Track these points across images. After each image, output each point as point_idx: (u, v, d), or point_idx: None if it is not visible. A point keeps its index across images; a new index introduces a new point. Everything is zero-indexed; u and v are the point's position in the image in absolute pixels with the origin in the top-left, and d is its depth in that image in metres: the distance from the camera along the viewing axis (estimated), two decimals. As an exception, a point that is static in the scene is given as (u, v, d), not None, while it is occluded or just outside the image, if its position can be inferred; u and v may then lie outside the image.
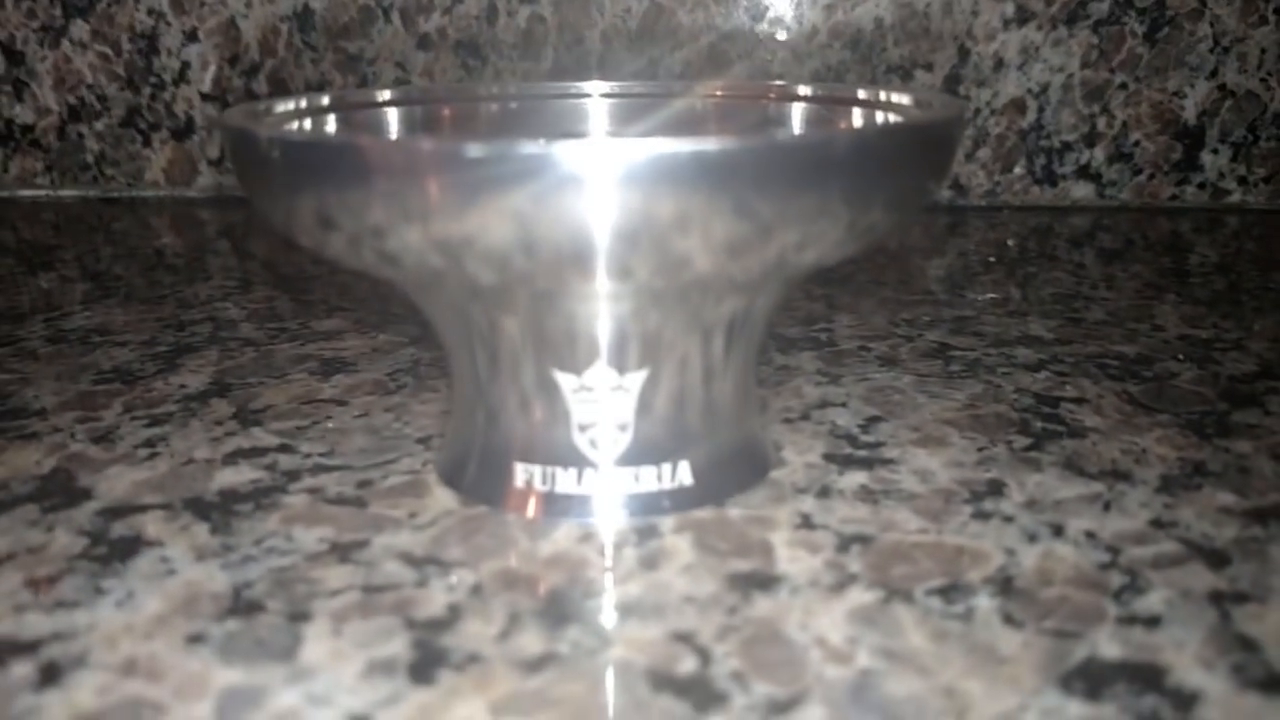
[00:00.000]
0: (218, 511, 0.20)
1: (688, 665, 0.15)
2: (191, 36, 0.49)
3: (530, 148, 0.15)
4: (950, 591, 0.17)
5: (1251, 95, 0.48)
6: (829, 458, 0.23)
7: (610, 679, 0.15)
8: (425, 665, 0.15)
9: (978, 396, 0.26)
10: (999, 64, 0.48)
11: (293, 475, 0.22)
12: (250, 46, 0.49)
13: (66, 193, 0.52)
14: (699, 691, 0.15)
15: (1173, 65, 0.48)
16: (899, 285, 0.36)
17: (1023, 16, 0.47)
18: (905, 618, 0.17)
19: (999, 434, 0.24)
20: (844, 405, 0.25)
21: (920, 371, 0.28)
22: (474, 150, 0.15)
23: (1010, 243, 0.43)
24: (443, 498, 0.21)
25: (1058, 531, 0.19)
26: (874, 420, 0.25)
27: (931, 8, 0.47)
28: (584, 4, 0.48)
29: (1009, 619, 0.17)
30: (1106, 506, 0.20)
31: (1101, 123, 0.49)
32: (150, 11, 0.49)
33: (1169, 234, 0.45)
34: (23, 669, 0.16)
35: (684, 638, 0.16)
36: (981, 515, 0.20)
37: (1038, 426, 0.24)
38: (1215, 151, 0.49)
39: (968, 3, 0.47)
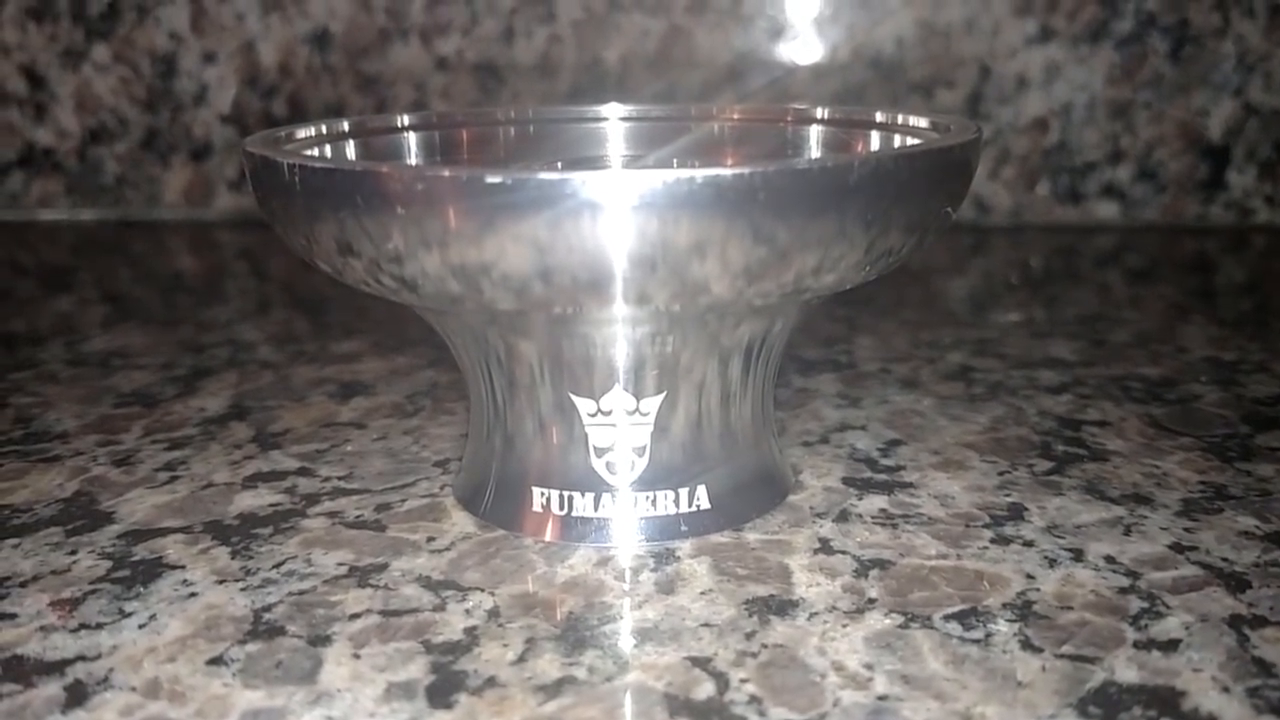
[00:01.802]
0: (238, 535, 0.20)
1: (705, 690, 0.15)
2: (210, 58, 0.50)
3: (547, 175, 0.15)
4: (969, 617, 0.17)
5: (1277, 114, 0.48)
6: (848, 481, 0.22)
7: (628, 704, 0.15)
8: (443, 689, 0.15)
9: (999, 419, 0.26)
10: (1021, 83, 0.48)
11: (312, 499, 0.22)
12: (269, 69, 0.49)
13: (86, 214, 0.52)
14: (716, 717, 0.15)
15: (1197, 83, 0.48)
16: (921, 306, 0.36)
17: (1045, 35, 0.47)
18: (923, 643, 0.16)
19: (1020, 457, 0.24)
20: (864, 428, 0.25)
21: (942, 394, 0.28)
22: (492, 177, 0.15)
23: (1033, 263, 0.43)
24: (460, 521, 0.21)
25: (1077, 556, 0.19)
26: (894, 443, 0.24)
27: (952, 26, 0.47)
28: (601, 26, 0.48)
29: (1027, 644, 0.16)
30: (1127, 530, 0.20)
31: (1125, 141, 0.48)
32: (170, 34, 0.49)
33: (1195, 254, 0.45)
34: (50, 690, 0.16)
35: (701, 662, 0.16)
36: (1001, 540, 0.20)
37: (1059, 450, 0.24)
38: (1241, 170, 0.49)
39: (989, 21, 0.47)
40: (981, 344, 0.32)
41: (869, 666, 0.16)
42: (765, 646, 0.16)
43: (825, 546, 0.20)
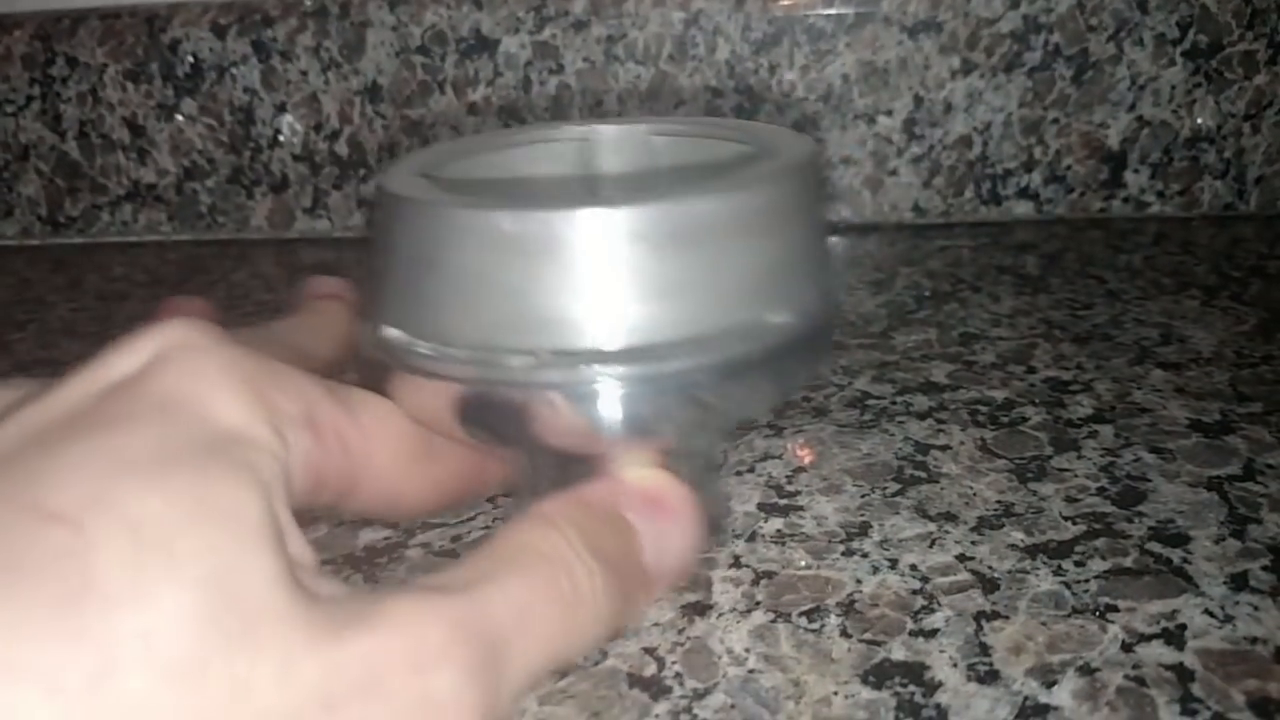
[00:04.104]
0: (366, 564, 0.32)
1: (650, 669, 0.27)
2: (281, 109, 0.60)
3: None
4: (813, 613, 0.28)
5: (1165, 124, 0.58)
6: (760, 506, 0.33)
7: (606, 679, 0.27)
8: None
9: (875, 446, 0.37)
10: (948, 107, 0.58)
11: (410, 533, 0.33)
12: (330, 116, 0.60)
13: (184, 237, 0.63)
14: (655, 687, 0.26)
15: (1097, 101, 0.57)
16: (848, 328, 0.47)
17: (967, 68, 0.57)
18: (782, 633, 0.28)
19: (879, 481, 0.34)
20: (779, 457, 0.36)
21: (841, 422, 0.38)
22: None
23: (929, 283, 0.54)
24: (506, 548, 0.32)
25: (893, 565, 0.30)
26: (798, 471, 0.35)
27: (890, 64, 0.57)
28: (602, 74, 0.58)
29: (844, 632, 0.28)
30: (932, 544, 0.31)
31: (1038, 151, 0.58)
32: (246, 90, 0.60)
33: (1098, 242, 0.55)
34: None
35: (650, 650, 0.27)
36: (848, 552, 0.31)
37: (908, 474, 0.35)
38: (1136, 171, 0.59)
39: (920, 59, 0.57)
40: (881, 369, 0.42)
41: (747, 650, 0.27)
42: (689, 638, 0.28)
43: (736, 562, 0.31)
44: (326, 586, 0.19)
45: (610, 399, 0.23)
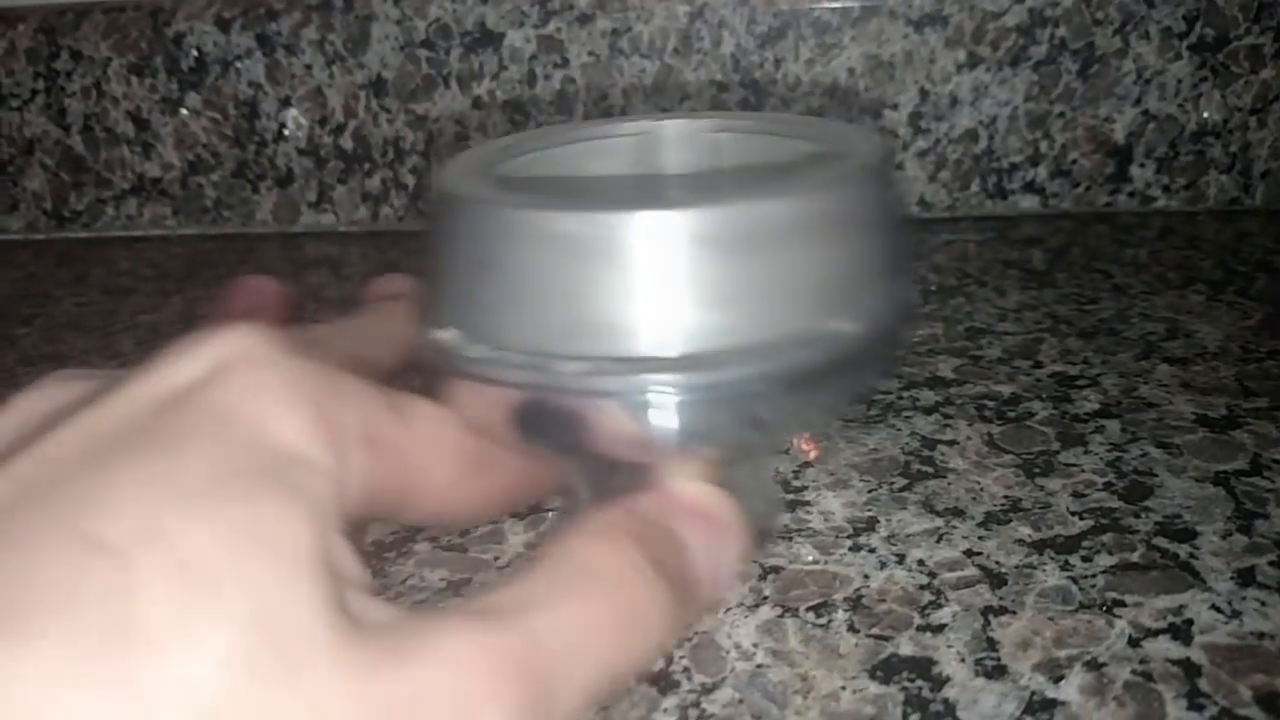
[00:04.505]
0: (375, 559, 0.32)
1: (659, 664, 0.27)
2: (286, 103, 0.60)
3: None
4: (821, 608, 0.28)
5: (1171, 118, 0.58)
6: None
7: (615, 673, 0.27)
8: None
9: (881, 441, 0.37)
10: (954, 101, 0.58)
11: (417, 528, 0.33)
12: (335, 110, 0.60)
13: (189, 231, 0.63)
14: (663, 681, 0.26)
15: (1103, 95, 0.57)
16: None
17: (973, 61, 0.57)
18: (790, 628, 0.28)
19: (886, 476, 0.34)
20: (787, 453, 0.36)
21: (847, 416, 0.39)
22: None
23: (932, 279, 0.54)
24: (515, 543, 0.32)
25: (901, 560, 0.30)
26: (805, 467, 0.35)
27: (895, 58, 0.57)
28: (607, 68, 0.58)
29: (852, 627, 0.28)
30: (939, 539, 0.31)
31: (1044, 145, 0.58)
32: (250, 84, 0.60)
33: (1103, 236, 0.55)
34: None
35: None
36: (856, 548, 0.31)
37: (915, 469, 0.35)
38: (1142, 165, 0.59)
39: (926, 52, 0.57)
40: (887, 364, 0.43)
41: (755, 645, 0.27)
42: (697, 633, 0.28)
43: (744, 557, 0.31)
44: (375, 611, 0.19)
45: (665, 408, 0.22)
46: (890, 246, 0.25)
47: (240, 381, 0.20)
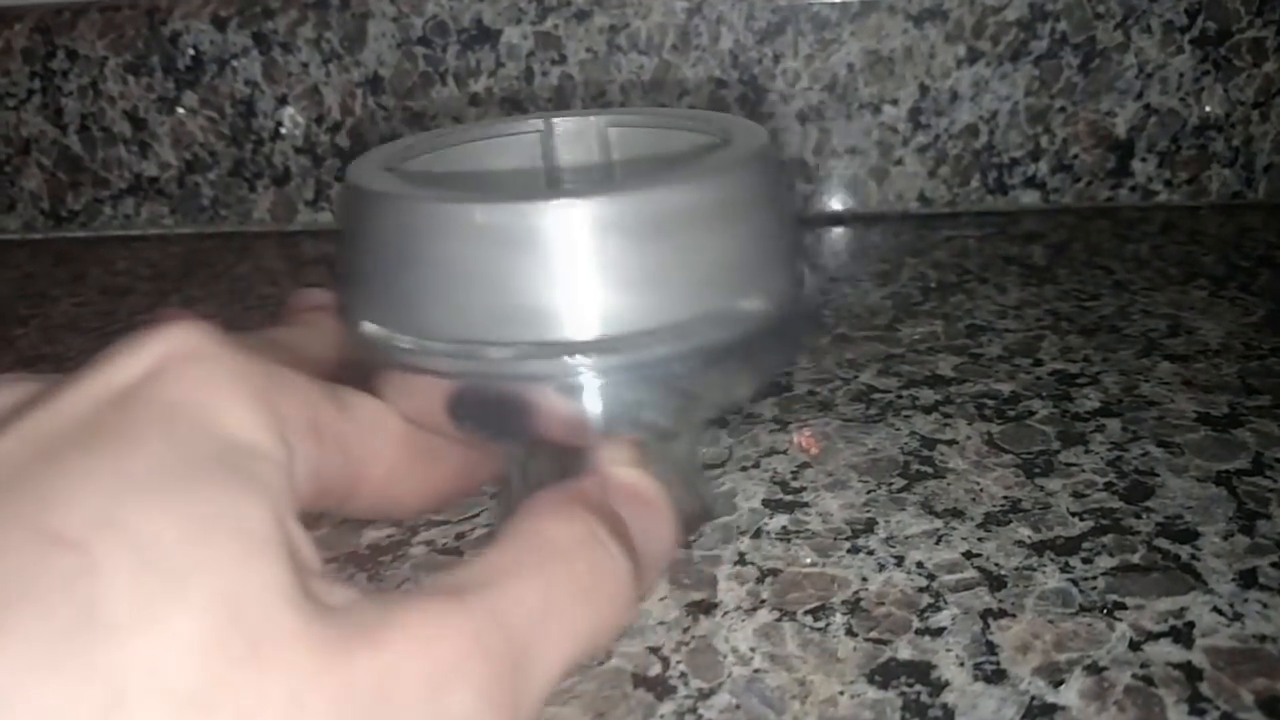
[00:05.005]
0: (370, 562, 0.32)
1: (655, 669, 0.26)
2: (282, 101, 0.60)
3: None
4: (819, 611, 0.28)
5: (1173, 112, 0.57)
6: (765, 502, 0.33)
7: (609, 679, 0.26)
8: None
9: (880, 441, 0.37)
10: (954, 96, 0.57)
11: (413, 530, 0.33)
12: (332, 108, 0.60)
13: (186, 230, 0.63)
14: (660, 687, 0.26)
15: (1104, 90, 0.57)
16: (853, 320, 0.47)
17: (973, 56, 0.57)
18: (788, 632, 0.28)
19: (885, 477, 0.34)
20: (784, 452, 0.36)
21: (846, 416, 0.38)
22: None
23: (932, 276, 0.53)
24: (510, 546, 0.32)
25: (899, 562, 0.30)
26: (803, 467, 0.35)
27: (895, 52, 0.57)
28: (604, 64, 0.58)
29: (850, 630, 0.28)
30: (938, 541, 0.31)
31: (1045, 140, 0.58)
32: (247, 82, 0.60)
33: (1105, 232, 0.55)
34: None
35: (655, 650, 0.27)
36: (854, 549, 0.31)
37: (914, 469, 0.34)
38: (1144, 160, 0.58)
39: (926, 47, 0.57)
40: (887, 362, 0.42)
41: (753, 649, 0.27)
42: (694, 637, 0.27)
43: (741, 559, 0.31)
44: (337, 594, 0.19)
45: (591, 389, 0.23)
46: (787, 229, 0.27)
47: (185, 375, 0.20)
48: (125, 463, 0.18)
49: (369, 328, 0.25)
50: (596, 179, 0.32)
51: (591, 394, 0.23)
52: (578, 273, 0.23)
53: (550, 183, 0.32)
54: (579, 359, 0.23)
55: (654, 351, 0.23)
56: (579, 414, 0.24)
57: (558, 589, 0.21)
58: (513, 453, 0.29)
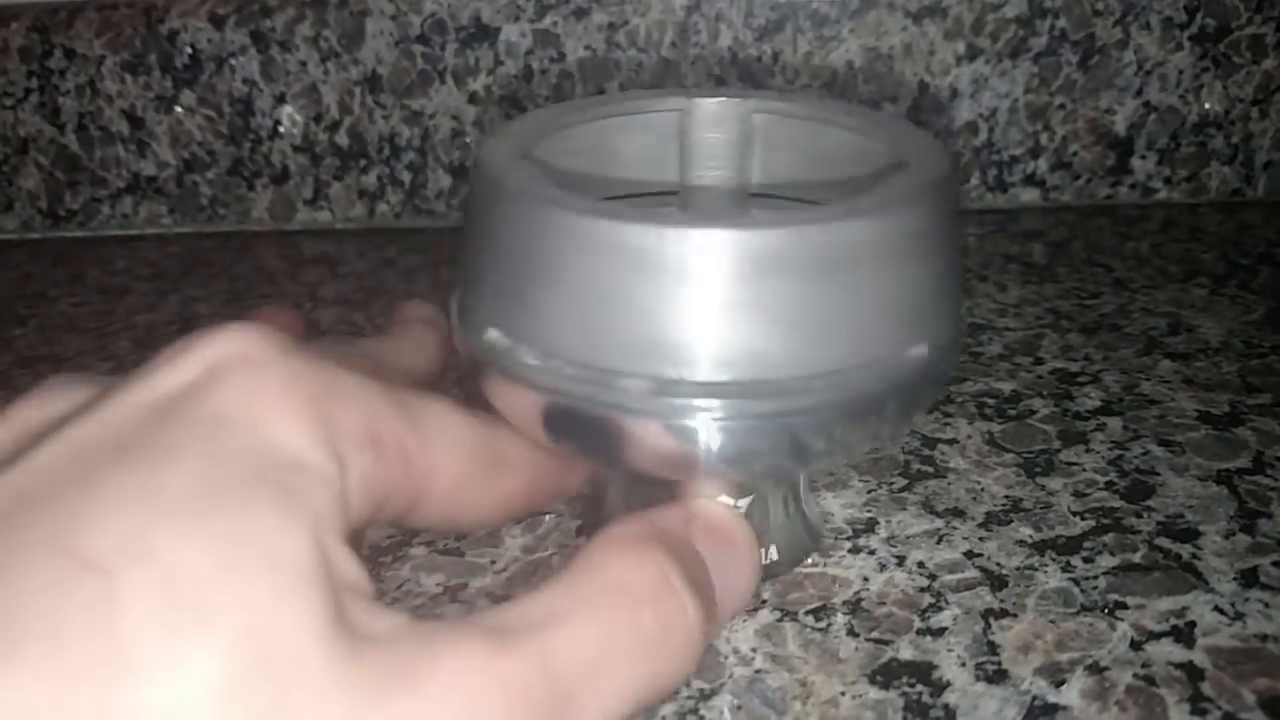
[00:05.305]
0: (370, 564, 0.31)
1: (656, 670, 0.27)
2: (280, 100, 0.60)
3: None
4: (820, 611, 0.28)
5: (1172, 109, 0.57)
6: (767, 502, 0.33)
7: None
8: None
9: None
10: (954, 94, 0.57)
11: (414, 531, 0.33)
12: (330, 106, 0.60)
13: (185, 230, 0.63)
14: (661, 688, 0.26)
15: (1104, 87, 0.57)
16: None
17: (972, 53, 0.57)
18: (789, 632, 0.28)
19: (885, 476, 0.34)
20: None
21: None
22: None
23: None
24: (512, 546, 0.32)
25: (900, 562, 0.30)
26: (804, 466, 0.35)
27: (894, 50, 0.57)
28: (603, 62, 0.57)
29: (851, 631, 0.27)
30: (939, 540, 0.31)
31: (1044, 138, 0.58)
32: (245, 81, 0.60)
33: (1104, 229, 0.55)
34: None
35: (656, 651, 0.27)
36: (856, 549, 0.31)
37: (914, 468, 0.35)
38: (1143, 157, 0.58)
39: (925, 44, 0.56)
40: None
41: (754, 650, 0.27)
42: (695, 638, 0.28)
43: (743, 560, 0.31)
44: (381, 621, 0.18)
45: (720, 434, 0.22)
46: (957, 265, 0.24)
47: (235, 384, 0.19)
48: (161, 482, 0.17)
49: (493, 334, 0.24)
50: (737, 170, 0.29)
51: (718, 438, 0.22)
52: (734, 310, 0.21)
53: (684, 171, 0.30)
54: (711, 402, 0.21)
55: (800, 401, 0.21)
56: (689, 456, 0.22)
57: (618, 638, 0.19)
58: (611, 474, 0.28)
